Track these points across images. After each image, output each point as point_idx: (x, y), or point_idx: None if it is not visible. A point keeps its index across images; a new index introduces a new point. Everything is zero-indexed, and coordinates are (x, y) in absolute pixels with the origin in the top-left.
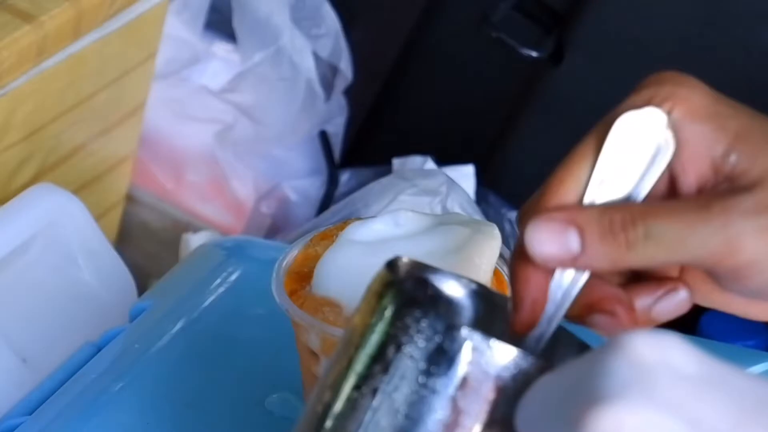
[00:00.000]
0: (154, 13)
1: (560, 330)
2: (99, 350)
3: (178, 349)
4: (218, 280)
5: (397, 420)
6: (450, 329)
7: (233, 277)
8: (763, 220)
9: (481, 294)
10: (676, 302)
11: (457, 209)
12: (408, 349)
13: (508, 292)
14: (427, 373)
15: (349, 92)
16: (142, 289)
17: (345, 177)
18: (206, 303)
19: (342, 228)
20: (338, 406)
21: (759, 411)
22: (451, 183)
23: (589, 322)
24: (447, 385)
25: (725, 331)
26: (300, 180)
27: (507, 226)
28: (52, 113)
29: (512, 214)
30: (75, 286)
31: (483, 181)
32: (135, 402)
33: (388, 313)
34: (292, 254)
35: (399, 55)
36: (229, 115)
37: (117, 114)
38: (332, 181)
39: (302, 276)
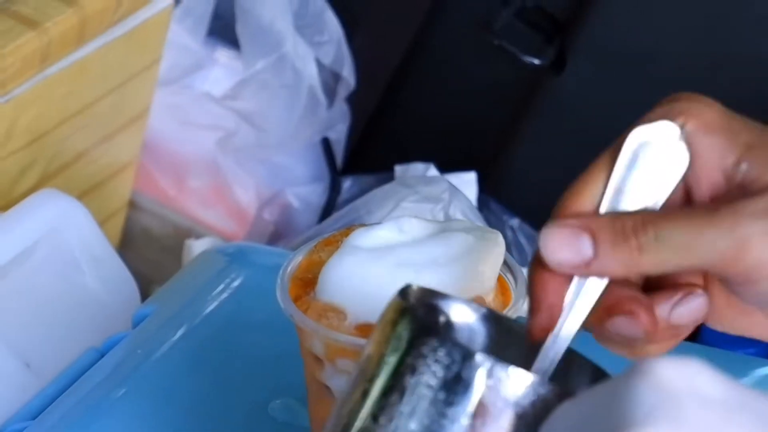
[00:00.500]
0: (157, 20)
1: (574, 355)
2: (102, 356)
3: (181, 355)
4: (221, 286)
5: None
6: (467, 357)
7: (236, 283)
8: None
9: (491, 318)
10: (694, 306)
11: (459, 216)
12: (425, 378)
13: (511, 300)
14: (445, 402)
15: (352, 99)
16: (144, 295)
17: (347, 184)
18: (209, 309)
19: (346, 234)
20: None
21: None
22: (453, 190)
23: (609, 327)
24: (465, 414)
25: (726, 338)
26: (302, 187)
27: (509, 233)
28: (55, 119)
29: (514, 222)
30: (78, 292)
31: (484, 188)
32: (138, 408)
33: (404, 342)
34: (296, 260)
35: (401, 62)
36: (232, 121)
37: (120, 120)
38: (334, 188)
39: (306, 282)
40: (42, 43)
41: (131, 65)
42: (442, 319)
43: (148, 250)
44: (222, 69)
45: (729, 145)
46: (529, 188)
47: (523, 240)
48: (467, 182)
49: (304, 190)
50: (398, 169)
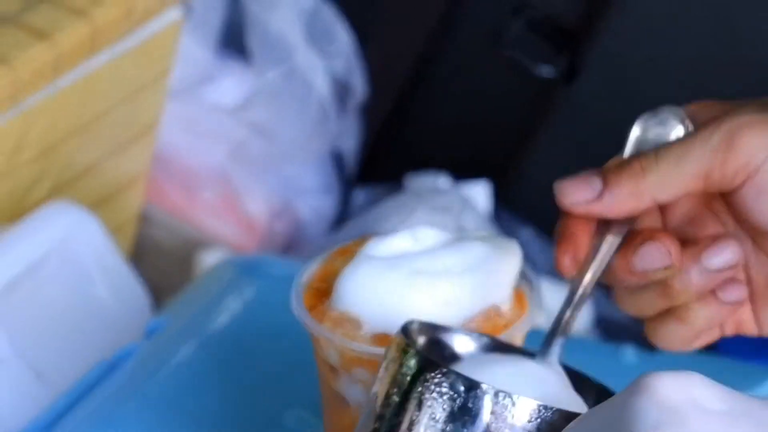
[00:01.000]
0: (168, 31)
1: (577, 375)
2: (114, 367)
3: (194, 366)
4: (233, 298)
5: None
6: (471, 387)
7: (248, 294)
8: (754, 115)
9: (492, 346)
10: (724, 247)
11: (470, 226)
12: (432, 412)
13: (526, 309)
14: None
15: (362, 110)
16: (154, 306)
17: (358, 195)
18: (221, 320)
19: (361, 244)
20: None
21: None
22: (465, 200)
23: (637, 263)
24: None
25: (743, 349)
26: (313, 198)
27: (522, 243)
28: (66, 131)
29: (527, 231)
30: (90, 303)
31: (497, 198)
32: (150, 419)
33: (409, 378)
34: (311, 270)
35: (411, 73)
36: (242, 133)
37: (130, 132)
38: (345, 199)
39: (321, 291)
40: (53, 54)
41: (142, 77)
42: (445, 352)
43: (158, 261)
44: (232, 80)
45: (722, 108)
46: (541, 198)
47: (536, 250)
48: (479, 192)
49: (315, 202)
50: (409, 179)
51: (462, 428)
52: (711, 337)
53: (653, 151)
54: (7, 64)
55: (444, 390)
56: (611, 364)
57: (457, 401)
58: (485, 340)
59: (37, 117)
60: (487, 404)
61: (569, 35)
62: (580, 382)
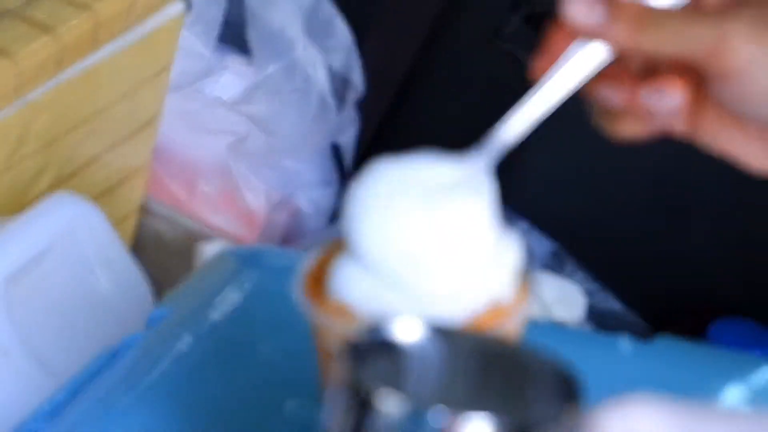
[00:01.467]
0: (169, 25)
1: (544, 364)
2: (117, 357)
3: (195, 356)
4: (234, 288)
5: None
6: (419, 417)
7: (249, 284)
8: (758, 29)
9: (438, 335)
10: (669, 92)
11: None
12: None
13: (522, 302)
14: None
15: (361, 104)
16: (155, 298)
17: None
18: (222, 310)
19: None
20: None
21: None
22: None
23: (598, 91)
24: None
25: (733, 339)
26: (312, 191)
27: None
28: (68, 124)
29: (523, 225)
30: (92, 294)
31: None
32: (153, 408)
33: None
34: (313, 258)
35: (410, 67)
36: (242, 126)
37: (132, 125)
38: (344, 192)
39: (321, 282)
40: (56, 48)
41: (143, 71)
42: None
43: (158, 254)
44: (232, 74)
45: None
46: (538, 192)
47: (532, 243)
48: None
49: (314, 195)
50: None
51: None
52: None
53: (655, 12)
54: (10, 57)
55: (390, 427)
56: (606, 355)
57: None
58: (430, 328)
59: (40, 110)
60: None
61: None
62: (542, 368)
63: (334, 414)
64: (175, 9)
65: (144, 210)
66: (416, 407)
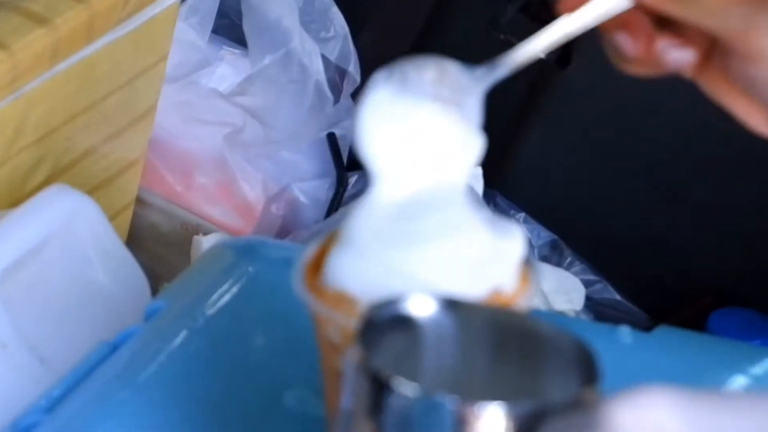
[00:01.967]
0: (164, 16)
1: (562, 338)
2: (115, 349)
3: (194, 348)
4: (231, 280)
5: None
6: (433, 405)
7: (246, 276)
8: None
9: (451, 306)
10: (684, 53)
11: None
12: None
13: (524, 291)
14: None
15: (357, 95)
16: (152, 290)
17: (353, 179)
18: (220, 302)
19: None
20: None
21: None
22: None
23: (612, 38)
24: None
25: (733, 329)
26: (309, 182)
27: None
28: (64, 116)
29: (519, 216)
30: (90, 286)
31: (490, 182)
32: (152, 400)
33: (370, 399)
34: (312, 249)
35: (407, 57)
36: (239, 117)
37: (128, 117)
38: (341, 183)
39: (321, 271)
40: (52, 39)
41: (139, 62)
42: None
43: (155, 246)
44: (228, 66)
45: None
46: (534, 182)
47: (529, 234)
48: (473, 177)
49: (311, 186)
50: None
51: None
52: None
53: None
54: (6, 49)
55: (407, 410)
56: (606, 345)
57: (422, 420)
58: (442, 300)
59: (36, 102)
60: (450, 418)
61: None
62: (566, 345)
63: (350, 394)
64: (170, 0)
65: (140, 202)
66: (432, 388)
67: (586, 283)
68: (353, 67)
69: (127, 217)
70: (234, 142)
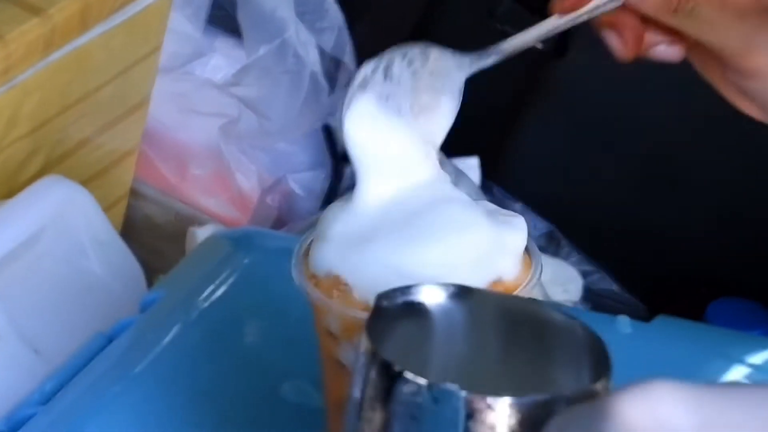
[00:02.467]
0: (158, 6)
1: (577, 326)
2: (110, 341)
3: (190, 339)
4: (227, 271)
5: None
6: (444, 394)
7: (242, 267)
8: None
9: (462, 293)
10: (672, 50)
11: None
12: (407, 424)
13: (526, 279)
14: None
15: None
16: (147, 282)
17: (349, 170)
18: (216, 293)
19: None
20: None
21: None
22: (459, 173)
23: (602, 34)
24: None
25: (731, 319)
26: (304, 173)
27: None
28: (58, 106)
29: (516, 206)
30: (85, 277)
31: (487, 173)
32: (148, 392)
33: (380, 390)
34: (309, 240)
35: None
36: (234, 108)
37: (122, 108)
38: (336, 175)
39: None
40: (45, 29)
41: (132, 52)
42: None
43: (150, 237)
44: (223, 56)
45: None
46: (531, 173)
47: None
48: (470, 167)
49: (307, 177)
50: None
51: None
52: None
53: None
54: None
55: (416, 399)
56: (605, 335)
57: (431, 409)
58: (452, 289)
59: (30, 92)
60: (462, 410)
61: None
62: (575, 332)
63: (360, 383)
64: None
65: (135, 193)
66: (443, 377)
67: (584, 274)
68: (349, 58)
69: (121, 209)
70: (229, 133)
